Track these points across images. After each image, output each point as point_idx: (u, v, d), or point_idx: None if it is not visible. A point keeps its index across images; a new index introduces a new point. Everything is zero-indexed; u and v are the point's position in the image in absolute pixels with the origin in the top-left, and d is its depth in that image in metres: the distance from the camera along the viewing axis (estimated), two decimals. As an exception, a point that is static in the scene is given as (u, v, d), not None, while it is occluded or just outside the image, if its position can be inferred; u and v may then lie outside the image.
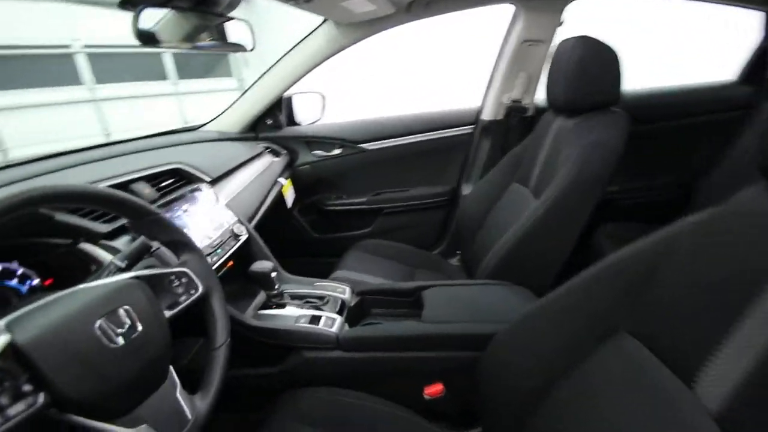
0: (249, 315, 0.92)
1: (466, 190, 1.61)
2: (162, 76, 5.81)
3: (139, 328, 0.50)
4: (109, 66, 5.14)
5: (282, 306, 0.97)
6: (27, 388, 0.39)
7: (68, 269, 0.69)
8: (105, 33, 4.82)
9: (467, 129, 1.61)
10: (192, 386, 0.61)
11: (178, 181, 1.00)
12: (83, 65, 4.92)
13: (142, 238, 0.66)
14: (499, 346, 0.72)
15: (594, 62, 0.96)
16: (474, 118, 1.59)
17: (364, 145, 1.64)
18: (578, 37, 0.99)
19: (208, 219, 0.95)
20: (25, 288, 0.66)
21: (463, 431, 0.86)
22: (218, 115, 1.56)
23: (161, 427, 0.49)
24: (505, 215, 1.23)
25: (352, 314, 1.00)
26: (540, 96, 1.51)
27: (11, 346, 0.39)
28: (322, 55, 1.38)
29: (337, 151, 1.66)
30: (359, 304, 1.03)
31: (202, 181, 1.05)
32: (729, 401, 0.40)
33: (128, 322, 0.49)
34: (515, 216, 1.12)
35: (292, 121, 1.70)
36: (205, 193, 1.00)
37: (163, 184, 0.94)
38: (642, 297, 0.53)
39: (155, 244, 0.67)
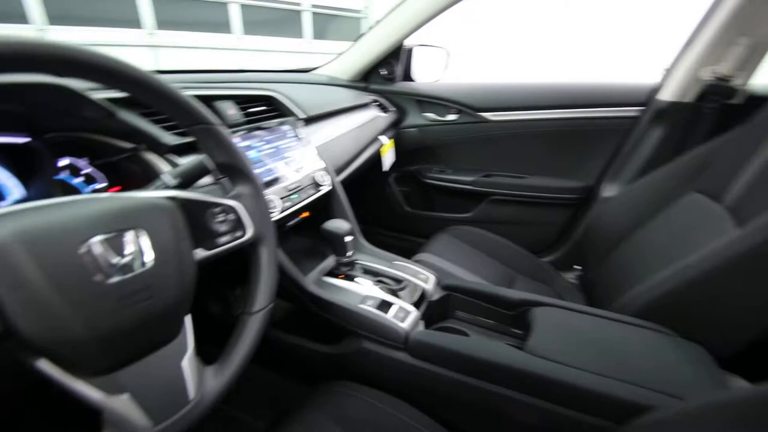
0: (310, 279, 0.77)
1: (609, 190, 1.23)
2: (227, 28, 5.66)
3: (149, 262, 0.36)
4: (172, 12, 5.07)
5: (351, 278, 0.80)
6: None
7: (135, 180, 0.61)
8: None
9: (630, 111, 1.21)
10: (212, 355, 0.47)
11: (270, 112, 0.88)
12: (145, 6, 4.93)
13: (202, 156, 0.53)
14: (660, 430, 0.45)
15: None
16: (645, 98, 1.18)
17: (485, 114, 1.36)
18: None
19: (291, 158, 0.81)
20: (87, 190, 0.59)
21: None
22: (332, 60, 1.43)
23: (149, 402, 0.36)
24: (674, 237, 0.87)
25: (432, 311, 0.79)
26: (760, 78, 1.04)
27: None
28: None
29: (451, 117, 1.42)
30: (443, 300, 0.81)
31: (295, 116, 0.92)
32: None
33: (133, 250, 0.35)
34: (694, 241, 0.76)
35: (407, 76, 1.50)
36: (294, 129, 0.87)
37: (252, 109, 0.83)
38: None
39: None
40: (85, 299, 0.32)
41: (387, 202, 1.61)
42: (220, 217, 0.47)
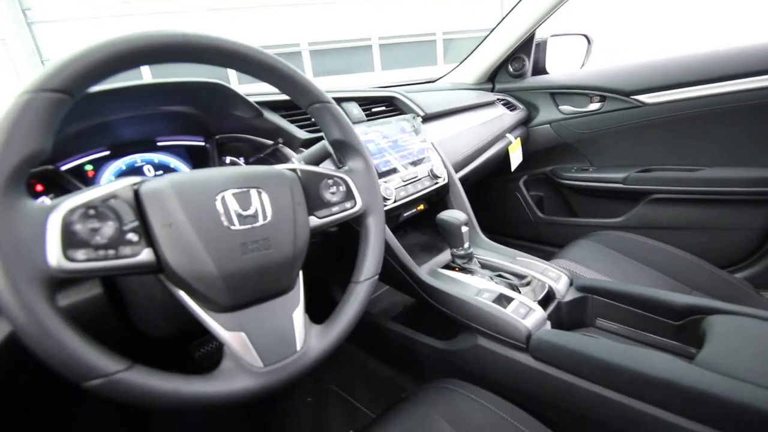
0: (425, 270, 0.75)
1: None
2: (370, 68, 6.28)
3: (269, 217, 0.41)
4: (327, 61, 5.88)
5: (467, 272, 0.76)
6: (132, 236, 0.35)
7: None
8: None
9: None
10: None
11: (391, 112, 0.93)
12: (306, 62, 5.78)
13: (323, 143, 0.59)
14: None
15: None
16: None
17: (640, 97, 1.15)
18: None
19: (409, 151, 0.83)
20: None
21: None
22: (455, 68, 1.44)
23: (261, 344, 0.39)
24: None
25: (564, 314, 0.68)
26: None
27: (132, 190, 0.36)
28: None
29: (594, 106, 1.24)
30: (578, 303, 0.69)
31: (413, 113, 0.94)
32: None
33: (257, 206, 0.41)
34: None
35: (538, 70, 1.39)
36: (412, 125, 0.89)
37: (375, 109, 0.89)
38: None
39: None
40: (216, 241, 0.38)
41: (516, 209, 1.49)
42: (333, 189, 0.50)
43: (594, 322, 0.70)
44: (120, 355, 0.33)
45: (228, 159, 0.72)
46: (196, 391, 0.35)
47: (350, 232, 0.55)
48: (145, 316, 0.48)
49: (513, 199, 1.48)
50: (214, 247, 0.37)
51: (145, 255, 0.35)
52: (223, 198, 0.39)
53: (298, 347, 0.42)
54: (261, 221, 0.41)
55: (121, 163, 0.62)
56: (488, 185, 1.51)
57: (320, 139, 0.69)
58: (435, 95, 1.12)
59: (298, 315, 0.43)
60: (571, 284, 0.72)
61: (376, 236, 0.53)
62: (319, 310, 0.48)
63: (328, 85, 0.83)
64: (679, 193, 1.12)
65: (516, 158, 1.28)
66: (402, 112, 0.94)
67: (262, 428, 0.91)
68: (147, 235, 0.36)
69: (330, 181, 0.51)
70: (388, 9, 6.00)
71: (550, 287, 0.69)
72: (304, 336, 0.43)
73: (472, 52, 1.38)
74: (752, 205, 1.03)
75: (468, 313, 0.66)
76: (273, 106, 0.70)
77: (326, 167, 0.53)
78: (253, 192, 0.41)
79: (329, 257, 0.74)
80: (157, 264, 0.36)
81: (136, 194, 0.36)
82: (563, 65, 1.39)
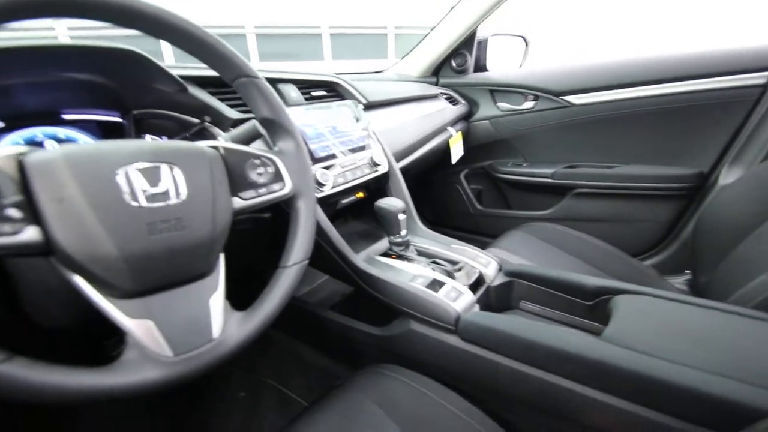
0: (361, 257, 0.75)
1: (729, 176, 1.01)
2: (320, 56, 6.18)
3: (183, 196, 0.38)
4: (274, 45, 5.71)
5: (403, 258, 0.77)
6: (13, 212, 0.31)
7: None
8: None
9: (756, 78, 0.99)
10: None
11: (332, 98, 0.91)
12: (251, 44, 5.55)
13: (253, 122, 0.56)
14: None
15: None
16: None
17: (568, 98, 1.23)
18: None
19: (349, 138, 0.82)
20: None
21: None
22: (399, 60, 1.45)
23: (172, 332, 0.37)
24: None
25: (492, 298, 0.72)
26: None
27: (16, 160, 0.32)
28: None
29: (528, 104, 1.31)
30: (505, 287, 0.73)
31: (356, 101, 0.93)
32: None
33: (168, 184, 0.38)
34: None
35: (479, 67, 1.44)
36: (354, 111, 0.88)
37: (315, 93, 0.86)
38: None
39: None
40: (117, 219, 0.34)
41: (456, 201, 1.54)
42: (260, 170, 0.48)
43: (518, 304, 0.74)
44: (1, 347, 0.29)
45: (148, 137, 0.66)
46: (87, 383, 0.31)
47: (283, 218, 0.53)
48: (39, 305, 0.43)
49: (454, 192, 1.52)
50: (114, 226, 0.34)
51: (30, 233, 0.31)
52: (126, 173, 0.36)
53: (215, 335, 0.40)
54: (174, 200, 0.38)
55: (17, 137, 0.55)
56: (431, 178, 1.54)
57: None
58: (379, 84, 1.12)
59: (217, 301, 0.41)
60: (500, 270, 0.75)
61: (307, 219, 0.51)
62: (252, 299, 0.46)
63: (270, 67, 0.80)
64: (599, 188, 1.22)
65: (457, 151, 1.32)
66: (343, 99, 0.93)
67: (186, 429, 0.87)
68: (33, 212, 0.32)
69: (257, 161, 0.48)
70: (341, -1, 5.92)
71: (480, 272, 0.72)
72: (223, 323, 0.41)
73: (416, 46, 1.39)
74: (658, 200, 1.15)
75: (402, 299, 0.67)
76: (200, 81, 0.65)
77: (257, 147, 0.50)
78: (164, 168, 0.38)
79: (262, 244, 0.71)
80: (45, 244, 0.32)
81: (21, 165, 0.32)
82: (503, 64, 1.46)
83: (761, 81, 0.98)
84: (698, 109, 1.07)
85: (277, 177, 0.50)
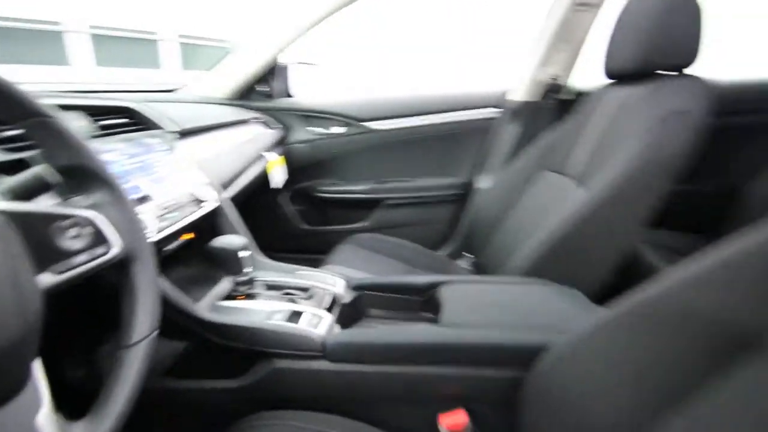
0: (204, 306, 0.68)
1: (483, 182, 1.39)
2: (63, 60, 5.09)
3: None
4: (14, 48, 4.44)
5: (252, 297, 0.73)
6: None
7: None
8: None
9: (489, 112, 1.40)
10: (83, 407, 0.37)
11: (132, 126, 0.77)
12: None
13: (37, 169, 0.43)
14: (556, 363, 0.50)
15: (676, 13, 0.76)
16: (498, 100, 1.38)
17: (369, 124, 1.42)
18: None
19: (164, 174, 0.71)
20: None
21: None
22: (198, 80, 1.34)
23: None
24: (537, 209, 1.02)
25: (345, 314, 0.77)
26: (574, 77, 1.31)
27: None
28: (327, 8, 1.18)
29: (337, 130, 1.44)
30: (355, 301, 0.80)
31: (163, 130, 0.82)
32: None
33: None
34: (552, 210, 0.90)
35: (286, 92, 1.49)
36: (165, 143, 0.77)
37: (108, 122, 0.71)
38: None
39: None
40: None
41: (281, 222, 1.54)
42: (73, 233, 0.38)
43: (368, 313, 0.82)
44: None
45: None
46: None
47: (108, 287, 0.43)
48: None
49: (281, 215, 1.52)
50: None
51: None
52: None
53: None
54: None
55: None
56: (255, 204, 1.49)
57: (24, 162, 0.50)
58: (186, 108, 1.01)
59: (45, 420, 0.31)
60: (347, 286, 0.82)
61: (148, 282, 0.44)
62: (82, 395, 0.36)
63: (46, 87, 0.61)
64: (403, 198, 1.47)
65: (279, 175, 1.32)
66: (144, 126, 0.80)
67: None
68: None
69: (67, 223, 0.38)
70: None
71: (334, 294, 0.77)
72: None
73: (219, 65, 1.32)
74: (444, 203, 1.48)
75: (261, 340, 0.64)
76: None
77: (47, 203, 0.39)
78: None
79: (81, 321, 0.55)
80: None
81: None
82: (308, 90, 1.54)
83: (491, 115, 1.40)
84: (457, 133, 1.44)
85: (99, 238, 0.40)
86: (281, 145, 1.42)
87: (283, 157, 1.38)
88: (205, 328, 0.64)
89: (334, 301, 0.76)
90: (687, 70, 0.80)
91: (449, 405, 0.62)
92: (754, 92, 1.31)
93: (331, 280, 0.81)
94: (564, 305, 0.68)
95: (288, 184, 1.47)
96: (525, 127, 1.33)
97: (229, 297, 0.73)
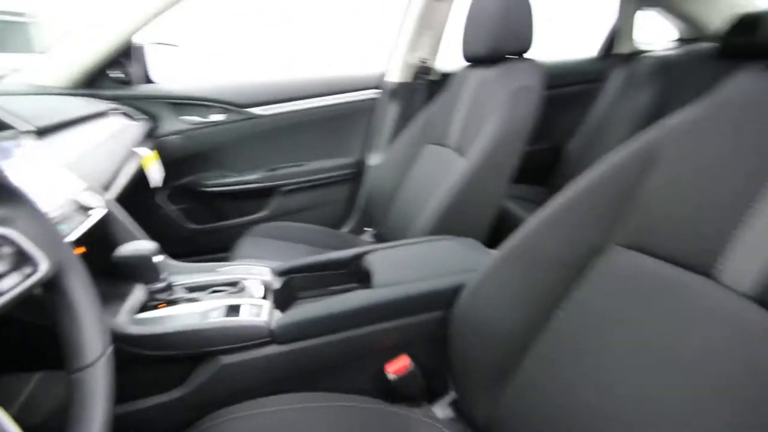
0: (122, 323, 0.61)
1: (374, 160, 1.50)
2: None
3: None
4: None
5: (174, 303, 0.68)
6: None
7: None
8: None
9: (371, 93, 1.49)
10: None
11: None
12: None
13: None
14: (471, 297, 0.64)
15: (513, 7, 0.96)
16: (378, 81, 1.48)
17: (253, 110, 1.37)
18: None
19: (35, 182, 0.59)
20: None
21: (434, 401, 0.74)
22: (28, 63, 1.08)
23: None
24: (427, 179, 1.16)
25: (280, 300, 0.78)
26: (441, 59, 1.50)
27: None
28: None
29: (216, 117, 1.35)
30: (285, 286, 0.81)
31: (14, 128, 0.66)
32: (762, 275, 0.37)
33: None
34: (440, 178, 1.05)
35: (145, 78, 1.31)
36: (26, 144, 0.64)
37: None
38: (631, 207, 0.50)
39: None
40: None
41: (165, 226, 1.38)
42: None
43: (298, 296, 0.85)
44: None
45: None
46: None
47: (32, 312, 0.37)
48: None
49: (161, 216, 1.36)
50: None
51: None
52: None
53: None
54: None
55: None
56: (132, 206, 1.29)
57: None
58: (32, 101, 0.82)
59: None
60: (274, 273, 0.82)
61: (86, 294, 0.39)
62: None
63: None
64: (298, 183, 1.47)
65: (155, 173, 1.18)
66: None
67: None
68: None
69: None
70: None
71: (264, 282, 0.76)
72: None
73: (49, 52, 1.09)
74: (339, 183, 1.54)
75: (203, 340, 0.62)
76: None
77: None
78: None
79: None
80: None
81: None
82: (173, 74, 1.38)
83: (372, 96, 1.49)
84: (347, 115, 1.49)
85: (22, 257, 0.35)
86: (151, 138, 1.26)
87: (155, 151, 1.22)
88: (131, 343, 0.58)
89: (266, 289, 0.76)
90: (526, 55, 1.02)
91: (393, 354, 0.71)
92: (569, 69, 1.71)
93: (257, 270, 0.80)
94: (469, 252, 0.83)
95: (166, 180, 1.32)
96: (403, 106, 1.47)
97: (147, 308, 0.67)
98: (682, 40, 1.68)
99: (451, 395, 0.74)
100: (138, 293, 0.69)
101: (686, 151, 0.47)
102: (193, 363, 0.63)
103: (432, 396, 0.75)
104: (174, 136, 1.31)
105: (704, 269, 0.42)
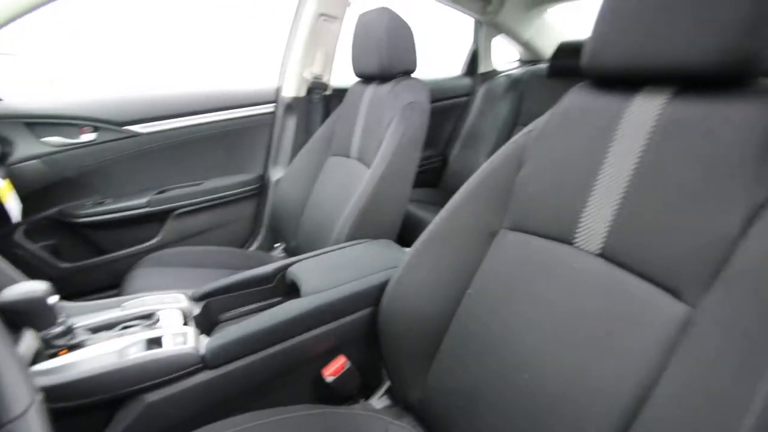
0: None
1: (276, 174, 1.48)
2: None
3: None
4: None
5: (78, 347, 0.60)
6: None
7: None
8: None
9: (267, 108, 1.48)
10: None
11: None
12: None
13: None
14: (394, 289, 0.71)
15: (398, 31, 1.07)
16: (274, 96, 1.48)
17: (133, 128, 1.24)
18: (380, 8, 1.08)
19: None
20: None
21: (370, 395, 0.79)
22: None
23: None
24: (336, 189, 1.21)
25: (202, 326, 0.74)
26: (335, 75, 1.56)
27: None
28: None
29: (89, 137, 1.18)
30: (206, 311, 0.77)
31: None
32: (607, 236, 0.52)
33: None
34: (348, 187, 1.11)
35: (-12, 94, 1.09)
36: None
37: None
38: (511, 197, 0.63)
39: None
40: None
41: (28, 268, 1.15)
42: None
43: (220, 319, 0.81)
44: None
45: None
46: None
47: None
48: None
49: (23, 257, 1.13)
50: None
51: None
52: None
53: None
54: None
55: None
56: None
57: None
58: None
59: None
60: (190, 299, 0.77)
61: (3, 342, 0.35)
62: None
63: None
64: (195, 204, 1.37)
65: (13, 206, 0.98)
66: None
67: None
68: None
69: None
70: None
71: (181, 309, 0.72)
72: None
73: None
74: (242, 201, 1.48)
75: (125, 380, 0.56)
76: None
77: None
78: None
79: None
80: None
81: None
82: (21, 89, 1.17)
83: (269, 110, 1.48)
84: (244, 130, 1.45)
85: None
86: (1, 165, 1.05)
87: (8, 181, 1.02)
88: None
89: (186, 317, 0.72)
90: (413, 75, 1.16)
91: (329, 357, 0.74)
92: (444, 85, 1.95)
93: (170, 298, 0.75)
94: (387, 251, 0.91)
95: (24, 215, 1.11)
96: (301, 120, 1.50)
97: (44, 357, 0.58)
98: (523, 62, 2.09)
99: (386, 385, 0.81)
100: (29, 342, 0.59)
101: (543, 150, 0.62)
102: (110, 409, 0.57)
103: (369, 391, 0.81)
104: (33, 162, 1.11)
105: (566, 239, 0.56)
